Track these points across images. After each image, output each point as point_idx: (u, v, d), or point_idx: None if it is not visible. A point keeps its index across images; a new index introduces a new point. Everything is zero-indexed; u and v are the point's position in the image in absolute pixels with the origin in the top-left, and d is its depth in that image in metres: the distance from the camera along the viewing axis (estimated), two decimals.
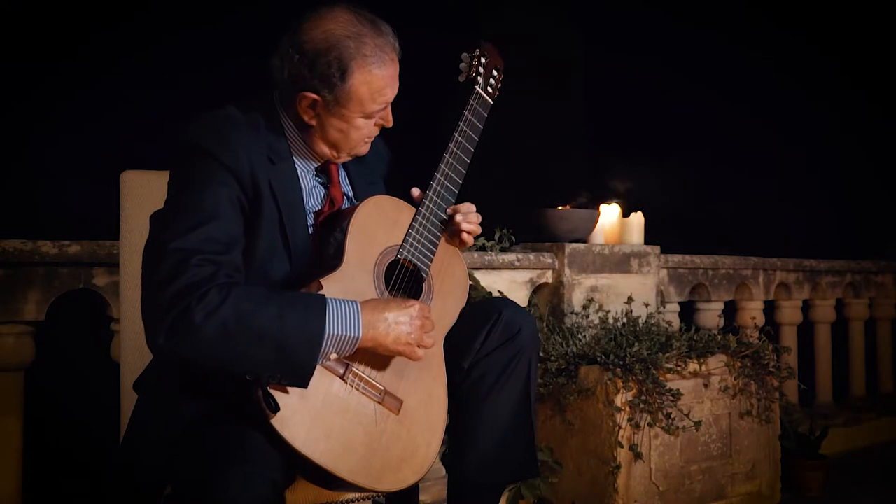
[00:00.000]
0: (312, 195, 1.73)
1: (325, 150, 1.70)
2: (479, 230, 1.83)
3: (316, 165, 1.74)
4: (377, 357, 1.61)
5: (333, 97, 1.61)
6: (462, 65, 1.91)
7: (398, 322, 1.56)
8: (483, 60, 1.89)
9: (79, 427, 3.91)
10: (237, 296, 1.43)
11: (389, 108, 1.71)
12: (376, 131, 1.73)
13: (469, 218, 1.80)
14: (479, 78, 1.88)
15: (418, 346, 1.60)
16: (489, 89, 1.90)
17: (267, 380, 1.44)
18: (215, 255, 1.47)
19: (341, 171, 1.81)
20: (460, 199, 1.84)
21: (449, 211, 1.79)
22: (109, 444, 1.81)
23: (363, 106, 1.63)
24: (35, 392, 2.49)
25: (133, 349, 1.87)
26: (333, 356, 1.52)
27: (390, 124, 1.72)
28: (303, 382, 1.48)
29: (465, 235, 1.80)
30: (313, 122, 1.65)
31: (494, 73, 1.92)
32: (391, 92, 1.67)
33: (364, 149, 1.74)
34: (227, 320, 1.41)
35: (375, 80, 1.62)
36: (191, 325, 1.39)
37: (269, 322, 1.43)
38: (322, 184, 1.75)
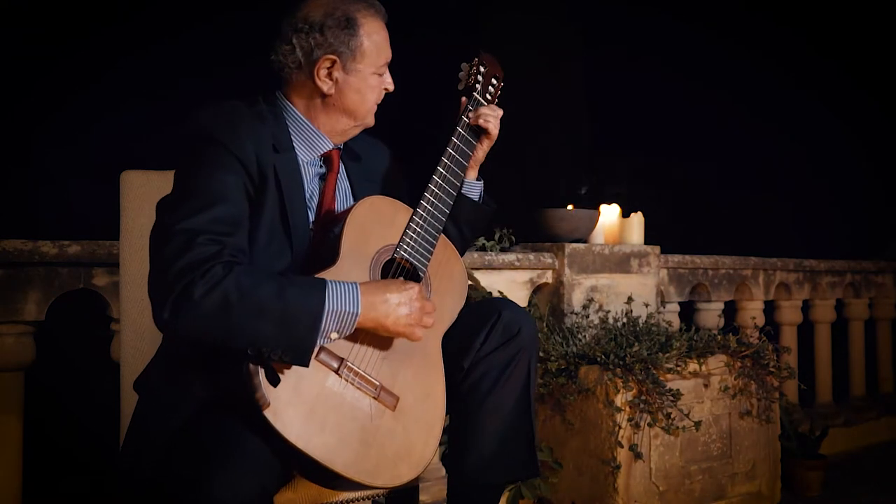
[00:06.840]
0: (311, 187, 1.76)
1: (341, 120, 1.77)
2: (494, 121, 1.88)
3: (320, 153, 1.78)
4: (373, 351, 1.61)
5: (350, 52, 1.71)
6: (461, 73, 1.94)
7: (399, 303, 1.58)
8: (482, 69, 1.92)
9: (79, 427, 3.92)
10: (239, 272, 1.47)
11: (388, 72, 1.81)
12: (380, 98, 1.81)
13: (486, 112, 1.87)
14: (477, 85, 1.91)
15: (418, 327, 1.61)
16: (487, 97, 1.93)
17: (268, 356, 1.45)
18: (221, 235, 1.51)
19: (341, 165, 1.84)
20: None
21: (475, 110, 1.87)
22: (109, 444, 1.82)
23: (374, 59, 1.74)
24: (35, 392, 2.49)
25: (133, 349, 1.87)
26: (334, 335, 1.52)
27: (392, 87, 1.82)
28: (303, 359, 1.48)
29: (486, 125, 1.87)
30: (332, 91, 1.73)
31: (493, 81, 1.94)
32: (389, 50, 1.78)
33: (372, 119, 1.82)
34: (229, 293, 1.44)
35: (379, 30, 1.75)
36: (194, 298, 1.42)
37: (269, 296, 1.46)
38: (321, 176, 1.79)
